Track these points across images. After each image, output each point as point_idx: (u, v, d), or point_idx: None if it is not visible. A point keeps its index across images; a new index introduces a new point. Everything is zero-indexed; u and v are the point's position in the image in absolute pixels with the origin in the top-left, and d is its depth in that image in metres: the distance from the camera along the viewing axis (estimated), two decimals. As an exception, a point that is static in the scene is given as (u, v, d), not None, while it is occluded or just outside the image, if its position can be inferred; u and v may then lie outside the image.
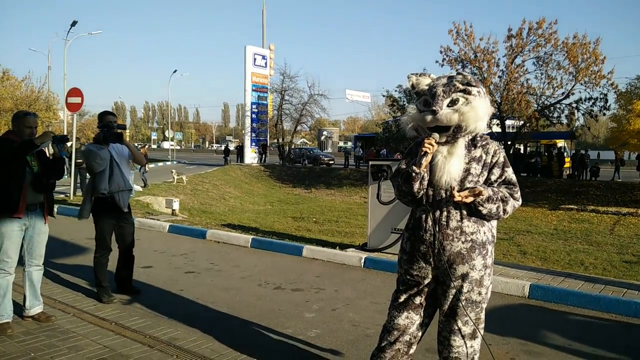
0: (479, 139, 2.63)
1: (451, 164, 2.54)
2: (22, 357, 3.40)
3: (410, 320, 2.74)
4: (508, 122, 23.55)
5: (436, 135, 2.53)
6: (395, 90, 25.39)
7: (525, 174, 23.85)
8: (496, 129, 23.13)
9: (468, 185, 2.53)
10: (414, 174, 2.55)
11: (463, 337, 2.64)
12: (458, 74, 2.66)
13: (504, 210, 2.52)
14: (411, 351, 2.81)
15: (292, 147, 34.18)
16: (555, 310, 4.72)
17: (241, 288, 5.35)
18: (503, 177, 2.58)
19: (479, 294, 2.60)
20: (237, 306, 4.71)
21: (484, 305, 2.66)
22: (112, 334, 3.90)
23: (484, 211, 2.49)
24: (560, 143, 24.80)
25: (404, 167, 2.68)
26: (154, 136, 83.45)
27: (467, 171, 2.56)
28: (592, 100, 21.72)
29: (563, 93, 21.83)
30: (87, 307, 4.52)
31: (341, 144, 67.30)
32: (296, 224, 14.93)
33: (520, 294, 5.01)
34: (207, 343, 3.79)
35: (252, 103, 31.28)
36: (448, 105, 2.52)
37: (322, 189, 25.60)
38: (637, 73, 24.35)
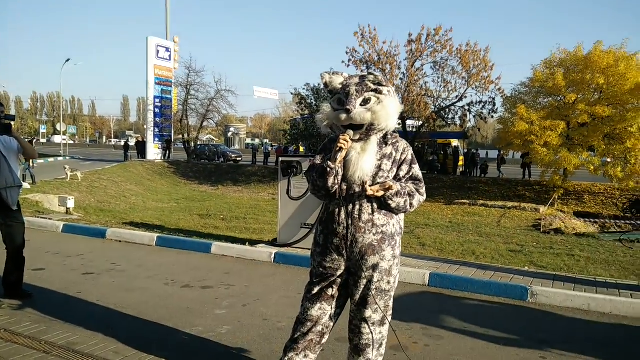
0: (389, 136, 2.76)
1: (364, 160, 2.64)
2: None
3: (323, 311, 2.81)
4: (408, 122, 24.75)
5: (350, 132, 2.62)
6: (303, 89, 25.71)
7: (424, 171, 25.25)
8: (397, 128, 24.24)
9: (379, 180, 2.65)
10: (329, 169, 2.61)
11: (373, 324, 2.76)
12: (369, 74, 2.76)
13: (411, 204, 2.67)
14: (323, 341, 2.88)
15: (198, 143, 33.23)
16: (453, 296, 5.08)
17: (147, 288, 5.14)
18: (410, 174, 2.73)
19: (388, 282, 2.74)
20: (143, 307, 4.52)
21: (392, 294, 2.80)
22: (1, 341, 3.58)
23: (393, 205, 2.62)
24: (455, 142, 26.56)
25: (319, 162, 2.75)
26: (43, 129, 76.89)
27: (378, 167, 2.67)
28: (482, 104, 23.51)
29: (457, 96, 23.40)
30: (-30, 314, 4.11)
31: (248, 140, 66.75)
32: (203, 221, 14.57)
33: (421, 282, 5.32)
34: (110, 346, 3.60)
35: (155, 97, 29.98)
36: (361, 104, 2.62)
37: (229, 186, 25.24)
38: (521, 79, 26.69)
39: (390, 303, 2.81)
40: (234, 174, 27.54)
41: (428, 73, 23.96)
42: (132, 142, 38.18)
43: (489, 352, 3.71)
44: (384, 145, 2.73)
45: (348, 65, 23.62)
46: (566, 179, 19.66)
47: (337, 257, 2.72)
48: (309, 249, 6.38)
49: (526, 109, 19.08)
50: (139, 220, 12.58)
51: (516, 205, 17.79)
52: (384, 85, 2.69)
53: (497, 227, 14.28)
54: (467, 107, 23.47)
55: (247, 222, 14.69)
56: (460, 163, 25.66)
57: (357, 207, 2.66)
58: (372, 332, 2.76)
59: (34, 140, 22.47)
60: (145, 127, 32.78)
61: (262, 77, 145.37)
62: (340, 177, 2.65)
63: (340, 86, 2.73)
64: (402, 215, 2.80)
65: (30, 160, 16.60)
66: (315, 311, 2.81)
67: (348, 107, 2.59)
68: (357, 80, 2.70)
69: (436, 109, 23.49)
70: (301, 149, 29.92)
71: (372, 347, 2.80)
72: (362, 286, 2.73)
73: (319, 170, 2.67)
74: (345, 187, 2.67)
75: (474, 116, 23.91)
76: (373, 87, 2.66)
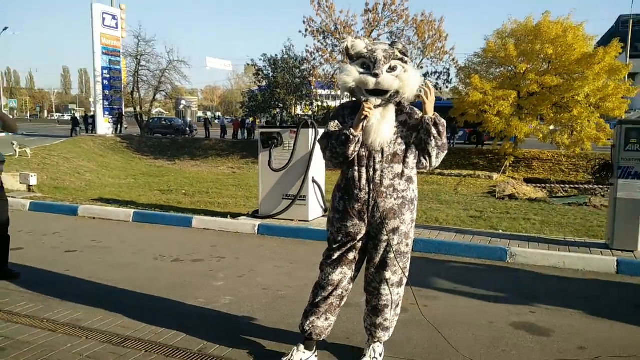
0: (403, 104, 2.84)
1: (384, 127, 2.69)
2: None
3: (344, 275, 2.90)
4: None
5: (374, 99, 2.66)
6: (260, 59, 25.26)
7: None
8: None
9: (397, 147, 2.73)
10: (351, 137, 2.66)
11: (392, 285, 2.89)
12: (395, 42, 2.81)
13: (444, 132, 2.75)
14: (342, 303, 2.99)
15: (152, 116, 32.20)
16: (437, 260, 5.33)
17: (136, 263, 5.09)
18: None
19: (407, 245, 2.86)
20: (138, 281, 4.50)
21: (410, 255, 2.93)
22: (1, 322, 3.50)
23: (441, 128, 2.71)
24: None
25: (333, 129, 2.78)
26: (-23, 104, 72.03)
27: (396, 134, 2.75)
28: (438, 74, 23.94)
29: (413, 66, 23.68)
30: (-42, 297, 3.96)
31: (200, 113, 65.21)
32: (164, 197, 14.28)
33: (406, 248, 5.53)
34: (116, 321, 3.59)
35: (103, 68, 28.66)
36: (387, 71, 2.67)
37: (186, 160, 24.75)
38: (475, 50, 27.32)
39: (408, 264, 2.94)
40: (190, 147, 26.97)
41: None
42: (78, 116, 36.51)
43: (484, 308, 3.95)
44: (399, 113, 2.80)
45: (305, 36, 23.38)
46: (517, 147, 20.48)
47: (357, 222, 2.79)
48: (291, 220, 6.54)
49: (480, 79, 19.59)
50: (99, 197, 12.22)
51: (471, 173, 18.45)
52: (407, 56, 2.75)
53: (456, 195, 14.79)
54: (423, 78, 23.83)
55: (211, 196, 14.53)
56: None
57: (379, 172, 2.72)
58: (390, 293, 2.90)
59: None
60: (91, 100, 31.38)
61: (215, 48, 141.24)
62: (359, 144, 2.71)
63: (365, 50, 2.73)
64: (416, 183, 2.90)
65: None
66: (336, 275, 2.90)
67: (376, 71, 2.62)
68: (384, 46, 2.73)
69: (393, 80, 23.78)
70: (257, 121, 29.60)
71: (390, 307, 2.94)
72: (382, 249, 2.83)
73: (339, 137, 2.69)
74: (364, 154, 2.73)
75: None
76: (400, 55, 2.71)
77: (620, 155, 5.21)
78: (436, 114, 2.75)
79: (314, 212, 6.82)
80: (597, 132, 18.43)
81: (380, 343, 3.05)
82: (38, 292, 4.15)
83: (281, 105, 25.01)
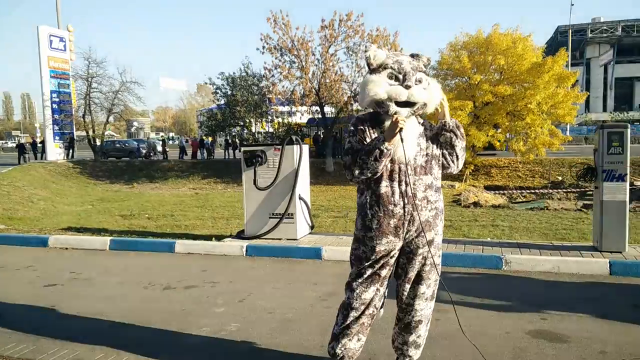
0: (418, 117, 2.80)
1: (410, 139, 2.65)
2: None
3: (376, 293, 2.81)
4: (327, 109, 25.05)
5: (404, 111, 2.60)
6: (218, 78, 24.93)
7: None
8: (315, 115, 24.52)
9: (422, 158, 2.69)
10: (385, 150, 2.57)
11: (426, 299, 2.82)
12: (417, 55, 2.76)
13: (463, 136, 2.81)
14: (372, 322, 2.89)
15: (105, 139, 31.12)
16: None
17: (126, 294, 4.80)
18: None
19: (439, 256, 2.82)
20: (133, 314, 4.23)
21: (440, 266, 2.88)
22: (-8, 370, 3.19)
23: (455, 128, 2.73)
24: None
25: (357, 144, 2.69)
26: None
27: (418, 145, 2.71)
28: (396, 87, 24.39)
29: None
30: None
31: (152, 135, 63.80)
32: (127, 222, 13.73)
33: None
34: (121, 358, 3.35)
35: (52, 91, 27.48)
36: (415, 83, 2.63)
37: (145, 183, 24.02)
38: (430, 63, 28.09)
39: (439, 276, 2.88)
40: (148, 170, 26.21)
41: (342, 58, 24.33)
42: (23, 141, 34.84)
43: (495, 318, 3.95)
44: (418, 125, 2.77)
45: (263, 53, 23.27)
46: (475, 155, 21.07)
47: (393, 238, 2.68)
48: (279, 239, 6.38)
49: (437, 90, 20.09)
50: (58, 225, 11.61)
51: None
52: (427, 69, 2.74)
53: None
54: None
55: (176, 219, 14.10)
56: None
57: (411, 185, 2.65)
58: (426, 308, 2.83)
59: None
60: (38, 125, 30.04)
61: (167, 68, 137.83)
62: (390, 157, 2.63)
63: (390, 61, 2.66)
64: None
65: None
66: (369, 294, 2.80)
67: (409, 83, 2.58)
68: (409, 58, 2.69)
69: (352, 94, 23.97)
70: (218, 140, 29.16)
71: (424, 322, 2.87)
72: (418, 262, 2.75)
73: (373, 151, 2.57)
74: (393, 168, 2.66)
75: (389, 100, 24.73)
76: (424, 68, 2.69)
77: (604, 158, 5.39)
78: (454, 119, 2.77)
79: (302, 229, 6.69)
80: (550, 139, 19.19)
81: (411, 361, 2.96)
82: (26, 332, 3.82)
83: (241, 124, 24.73)
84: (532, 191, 18.09)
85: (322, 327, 3.80)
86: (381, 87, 2.61)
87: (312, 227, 7.09)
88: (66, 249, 6.89)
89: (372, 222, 2.72)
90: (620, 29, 58.25)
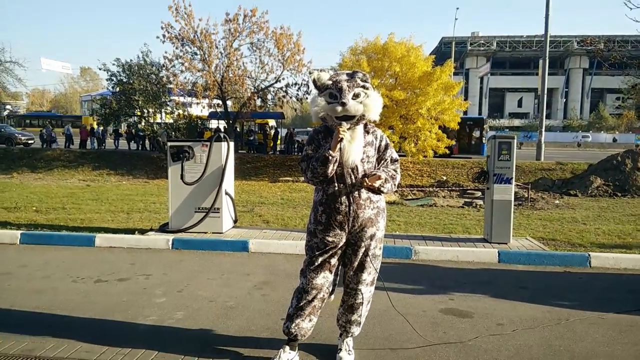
0: (369, 126, 3.28)
1: (355, 147, 3.11)
2: None
3: (326, 279, 3.24)
4: (229, 103, 24.94)
5: (345, 124, 3.07)
6: (113, 64, 23.64)
7: (244, 150, 25.97)
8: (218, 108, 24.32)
9: (366, 165, 3.16)
10: (330, 157, 3.03)
11: (366, 285, 3.31)
12: (356, 72, 3.23)
13: (394, 185, 3.25)
14: (323, 305, 3.32)
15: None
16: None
17: (56, 287, 4.74)
18: (392, 156, 3.31)
19: (380, 249, 3.31)
20: (72, 305, 4.24)
21: (381, 257, 3.39)
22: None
23: (385, 190, 3.16)
24: (272, 122, 27.69)
25: (311, 152, 3.14)
26: None
27: (364, 153, 3.18)
28: (298, 85, 24.99)
29: (275, 78, 24.43)
30: None
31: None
32: (13, 215, 12.76)
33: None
34: (73, 347, 3.44)
35: None
36: (352, 98, 3.08)
37: (26, 172, 22.14)
38: (331, 64, 29.15)
39: (379, 265, 3.38)
40: (29, 159, 24.16)
41: (246, 54, 24.36)
42: None
43: (412, 300, 4.58)
44: (366, 134, 3.24)
45: (163, 42, 22.56)
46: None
47: (339, 231, 3.16)
48: (205, 232, 6.56)
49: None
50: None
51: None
52: (369, 82, 3.19)
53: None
54: (284, 89, 24.66)
55: (69, 212, 13.31)
56: (279, 142, 26.96)
57: (356, 187, 3.13)
58: (367, 292, 3.32)
59: None
60: None
61: (48, 49, 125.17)
62: (337, 163, 3.09)
63: (330, 82, 3.13)
64: None
65: None
66: (319, 280, 3.23)
67: (343, 100, 3.02)
68: (346, 77, 3.14)
69: (256, 90, 24.16)
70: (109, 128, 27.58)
71: (364, 304, 3.36)
72: (361, 254, 3.24)
73: (320, 159, 3.05)
74: (339, 172, 3.11)
75: (291, 97, 25.25)
76: (361, 83, 3.14)
77: (495, 164, 6.34)
78: (382, 182, 3.12)
79: (227, 223, 6.91)
80: (437, 142, 20.99)
81: (352, 337, 3.45)
82: (-42, 328, 3.71)
83: (139, 113, 23.73)
84: (421, 189, 19.74)
85: (264, 313, 4.17)
86: (320, 107, 3.08)
87: (235, 221, 7.33)
88: (-32, 243, 6.45)
89: (322, 217, 3.17)
90: (495, 44, 64.61)
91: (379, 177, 3.09)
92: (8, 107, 48.05)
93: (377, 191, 3.16)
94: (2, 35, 74.77)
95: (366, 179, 3.07)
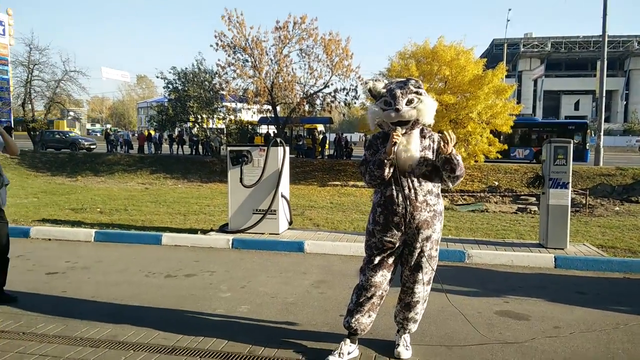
0: (426, 131, 3.43)
1: (412, 150, 3.27)
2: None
3: (384, 277, 3.41)
4: (278, 108, 25.52)
5: (399, 128, 3.22)
6: (170, 72, 24.74)
7: (293, 155, 26.44)
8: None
9: (424, 168, 3.30)
10: (386, 160, 3.20)
11: (423, 284, 3.46)
12: (409, 79, 3.39)
13: (462, 168, 3.28)
14: (381, 302, 3.49)
15: (45, 129, 29.82)
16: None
17: (130, 281, 5.13)
18: None
19: (436, 250, 3.45)
20: (146, 297, 4.60)
21: (438, 258, 3.52)
22: (32, 344, 3.50)
23: (456, 161, 3.19)
24: (320, 127, 28.05)
25: (369, 156, 3.33)
26: None
27: (422, 157, 3.33)
28: (346, 91, 25.25)
29: (323, 83, 24.80)
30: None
31: (89, 125, 61.36)
32: (80, 215, 13.57)
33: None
34: (151, 334, 3.74)
35: (-12, 77, 26.20)
36: (406, 104, 3.24)
37: (89, 176, 23.43)
38: (379, 69, 29.26)
39: (436, 266, 3.52)
40: (92, 163, 25.56)
41: (295, 60, 24.87)
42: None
43: (467, 302, 4.66)
44: (423, 139, 3.39)
45: (217, 50, 23.44)
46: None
47: (396, 232, 3.31)
48: (262, 233, 6.85)
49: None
50: (41, 218, 11.37)
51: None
52: (421, 88, 3.34)
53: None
54: (332, 94, 24.99)
55: (131, 213, 14.06)
56: (327, 147, 27.28)
57: (413, 190, 3.28)
58: (422, 291, 3.46)
59: None
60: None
61: (108, 59, 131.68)
62: (393, 167, 3.25)
63: (385, 90, 3.31)
64: (441, 199, 3.49)
65: None
66: (378, 278, 3.40)
67: (397, 106, 3.18)
68: (400, 84, 3.31)
69: (305, 95, 24.59)
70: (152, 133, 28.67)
71: (420, 302, 3.50)
72: (416, 254, 3.38)
73: (376, 162, 3.23)
74: (397, 175, 3.27)
75: (339, 102, 25.54)
76: (414, 89, 3.29)
77: (551, 168, 6.31)
78: (453, 153, 3.23)
79: (283, 225, 7.20)
80: (488, 146, 20.65)
81: (409, 333, 3.59)
82: (48, 313, 4.12)
83: (193, 119, 24.68)
84: (472, 194, 19.48)
85: (322, 309, 4.38)
86: (376, 114, 3.29)
87: (290, 223, 7.62)
88: (49, 240, 7.02)
89: (380, 218, 3.34)
90: (549, 45, 62.60)
91: (451, 142, 3.16)
92: (71, 113, 50.77)
93: (449, 160, 3.20)
94: (67, 46, 78.78)
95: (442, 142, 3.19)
